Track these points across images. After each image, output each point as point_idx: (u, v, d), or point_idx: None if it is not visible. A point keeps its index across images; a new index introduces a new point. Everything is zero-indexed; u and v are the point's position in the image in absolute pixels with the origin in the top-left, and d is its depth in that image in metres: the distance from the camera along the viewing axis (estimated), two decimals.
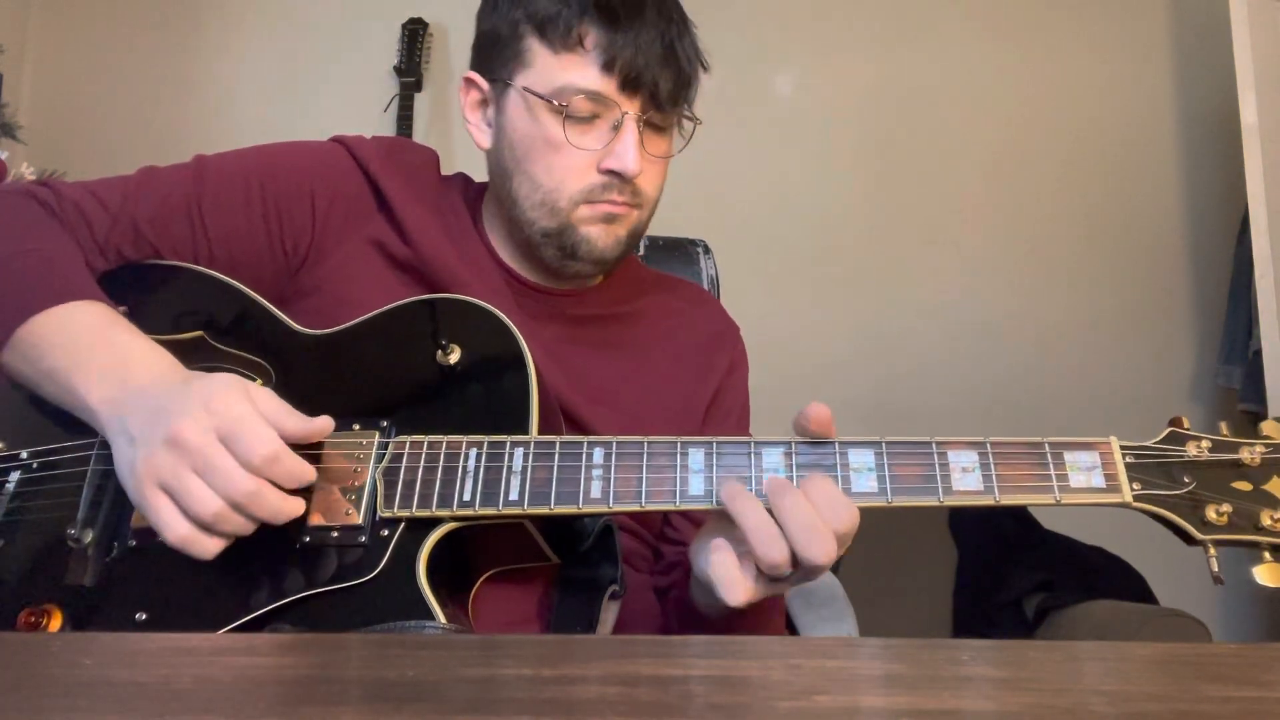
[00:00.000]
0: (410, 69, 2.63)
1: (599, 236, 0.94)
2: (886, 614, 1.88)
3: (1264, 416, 2.05)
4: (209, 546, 0.71)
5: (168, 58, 2.71)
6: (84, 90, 2.70)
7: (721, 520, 0.73)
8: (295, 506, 0.72)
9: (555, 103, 0.90)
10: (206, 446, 0.69)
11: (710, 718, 0.38)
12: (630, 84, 0.89)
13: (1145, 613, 1.80)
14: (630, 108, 0.90)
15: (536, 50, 0.92)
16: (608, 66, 0.89)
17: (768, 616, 0.86)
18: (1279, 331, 2.00)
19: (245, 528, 0.71)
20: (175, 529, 0.70)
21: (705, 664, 0.47)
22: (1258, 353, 2.12)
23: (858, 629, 1.76)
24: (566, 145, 0.91)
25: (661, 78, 0.90)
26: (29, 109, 2.59)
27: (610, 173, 0.91)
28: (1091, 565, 2.01)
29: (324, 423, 0.75)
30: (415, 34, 2.64)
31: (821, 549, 0.68)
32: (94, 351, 0.78)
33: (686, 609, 0.85)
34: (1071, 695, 0.42)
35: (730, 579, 0.71)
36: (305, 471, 0.73)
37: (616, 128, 0.91)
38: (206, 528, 0.70)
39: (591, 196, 0.92)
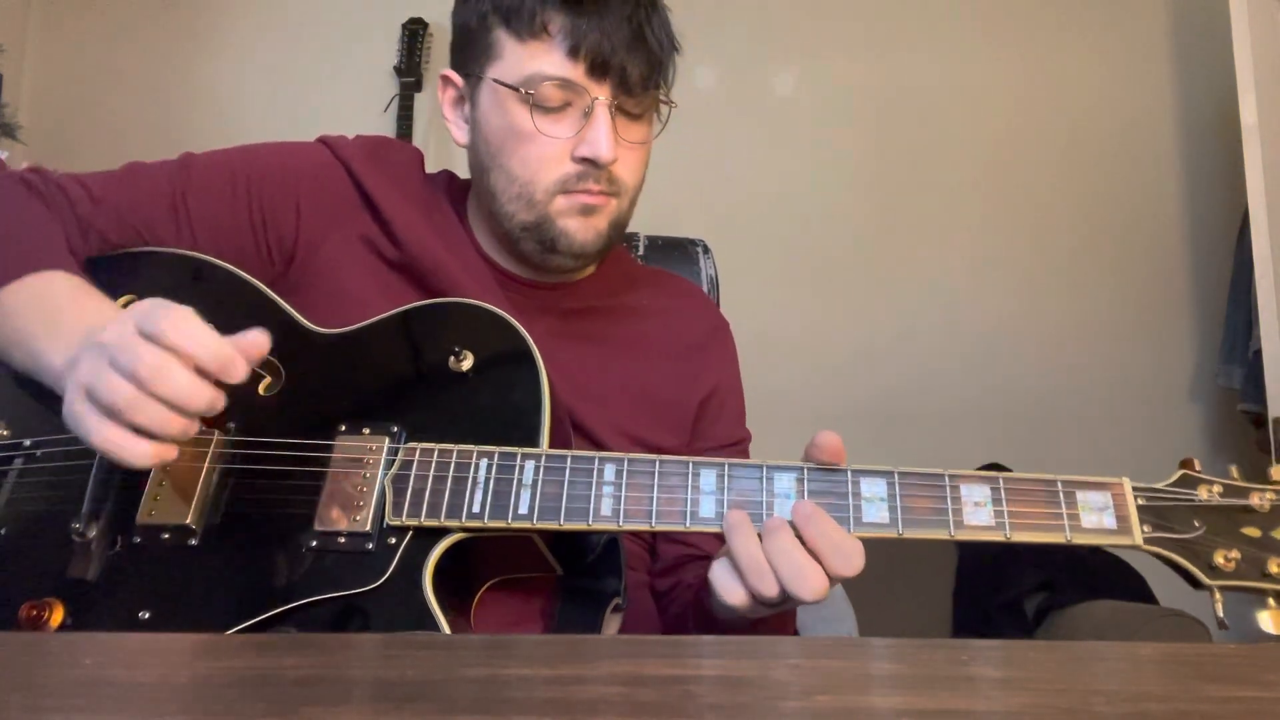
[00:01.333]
0: (410, 69, 2.63)
1: (578, 230, 0.93)
2: (886, 614, 1.88)
3: (1264, 417, 2.05)
4: (140, 449, 0.68)
5: (167, 58, 2.71)
6: (84, 90, 2.70)
7: None
8: (206, 391, 0.68)
9: (523, 91, 0.89)
10: (120, 335, 0.67)
11: (711, 718, 0.38)
12: (598, 69, 0.89)
13: (1145, 613, 1.80)
14: (600, 93, 0.89)
15: (504, 41, 0.91)
16: (573, 52, 0.88)
17: (780, 625, 0.86)
18: (1279, 331, 2.00)
19: (165, 419, 0.67)
20: (98, 431, 0.68)
21: (706, 664, 0.47)
22: (1258, 353, 2.12)
23: (858, 629, 1.76)
24: (537, 134, 0.90)
25: (630, 61, 0.89)
26: (29, 109, 2.59)
27: (584, 160, 0.90)
28: (1091, 565, 2.01)
29: (257, 337, 0.71)
30: (415, 34, 2.65)
31: (809, 588, 0.69)
32: (62, 317, 0.77)
33: (705, 614, 0.85)
34: (1071, 695, 0.42)
35: (726, 586, 0.72)
36: (218, 343, 0.68)
37: (588, 114, 0.90)
38: (128, 423, 0.67)
39: (567, 186, 0.91)
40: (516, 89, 0.90)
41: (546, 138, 0.90)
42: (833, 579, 0.70)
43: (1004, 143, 2.69)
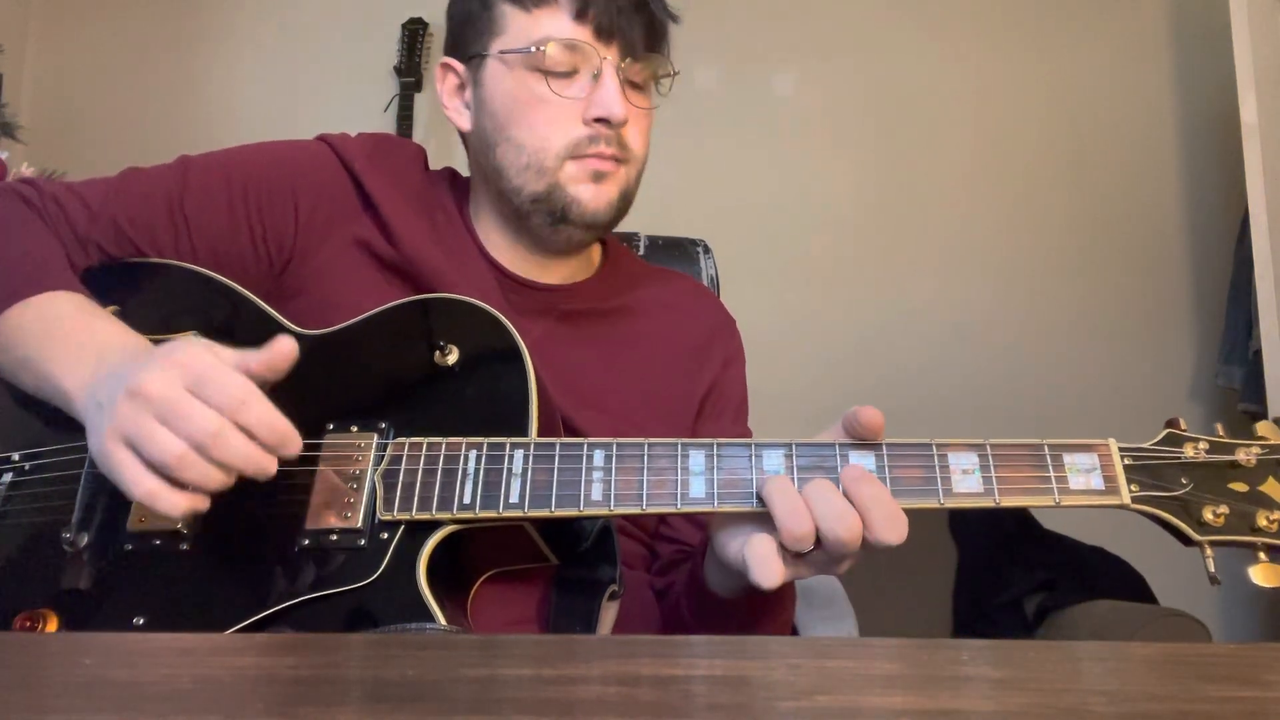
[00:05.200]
0: (410, 69, 2.63)
1: (590, 198, 0.93)
2: (886, 614, 1.88)
3: (1264, 417, 2.05)
4: (177, 502, 0.68)
5: (168, 58, 2.71)
6: (84, 90, 2.70)
7: (754, 519, 0.74)
8: (265, 458, 0.69)
9: (534, 50, 0.91)
10: (170, 393, 0.67)
11: (710, 718, 0.38)
12: (604, 31, 0.91)
13: (1145, 613, 1.80)
14: (608, 54, 0.92)
15: (509, 14, 0.93)
16: (580, 14, 0.91)
17: (780, 600, 0.86)
18: (1279, 331, 2.00)
19: (211, 476, 0.68)
20: (140, 483, 0.68)
21: (705, 664, 0.47)
22: (1258, 353, 2.12)
23: (858, 629, 1.76)
24: (550, 96, 0.91)
25: (635, 24, 0.92)
26: (29, 109, 2.59)
27: (596, 121, 0.91)
28: (1091, 565, 2.01)
29: (286, 344, 0.72)
30: (415, 34, 2.65)
31: (845, 527, 0.68)
32: (69, 338, 0.78)
33: (700, 590, 0.85)
34: (1071, 695, 0.42)
35: (764, 557, 0.70)
36: (277, 419, 0.69)
37: (596, 77, 0.91)
38: (172, 478, 0.68)
39: (578, 150, 0.92)
40: (526, 51, 0.91)
41: (558, 99, 0.91)
42: (872, 543, 0.68)
43: (1004, 142, 2.69)
